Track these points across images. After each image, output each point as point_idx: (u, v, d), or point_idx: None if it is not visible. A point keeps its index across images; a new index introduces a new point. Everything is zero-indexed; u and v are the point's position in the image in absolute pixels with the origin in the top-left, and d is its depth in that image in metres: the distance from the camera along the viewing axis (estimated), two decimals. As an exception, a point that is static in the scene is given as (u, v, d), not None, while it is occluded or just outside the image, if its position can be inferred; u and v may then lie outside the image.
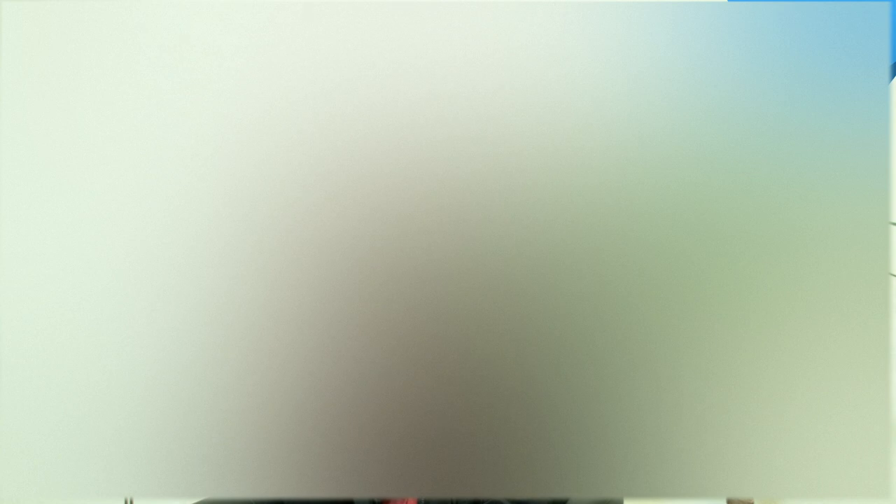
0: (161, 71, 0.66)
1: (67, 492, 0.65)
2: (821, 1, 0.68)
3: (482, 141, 0.65)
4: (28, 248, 0.65)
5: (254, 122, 0.65)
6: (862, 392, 0.67)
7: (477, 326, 0.64)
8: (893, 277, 0.69)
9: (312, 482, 0.64)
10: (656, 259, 0.66)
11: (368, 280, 0.64)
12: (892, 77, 0.74)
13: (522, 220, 0.65)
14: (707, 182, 0.66)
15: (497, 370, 0.65)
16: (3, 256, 0.65)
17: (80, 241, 0.65)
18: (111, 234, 0.65)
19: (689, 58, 0.67)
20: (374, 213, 0.65)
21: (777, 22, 0.67)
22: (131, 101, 0.66)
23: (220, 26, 0.66)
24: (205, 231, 0.65)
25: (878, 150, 0.67)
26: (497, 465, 0.65)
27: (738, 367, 0.66)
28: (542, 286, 0.65)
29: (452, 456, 0.64)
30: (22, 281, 0.65)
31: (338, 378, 0.64)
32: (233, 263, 0.65)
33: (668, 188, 0.66)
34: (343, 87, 0.65)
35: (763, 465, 0.66)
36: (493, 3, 0.66)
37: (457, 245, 0.65)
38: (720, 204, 0.66)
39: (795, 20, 0.68)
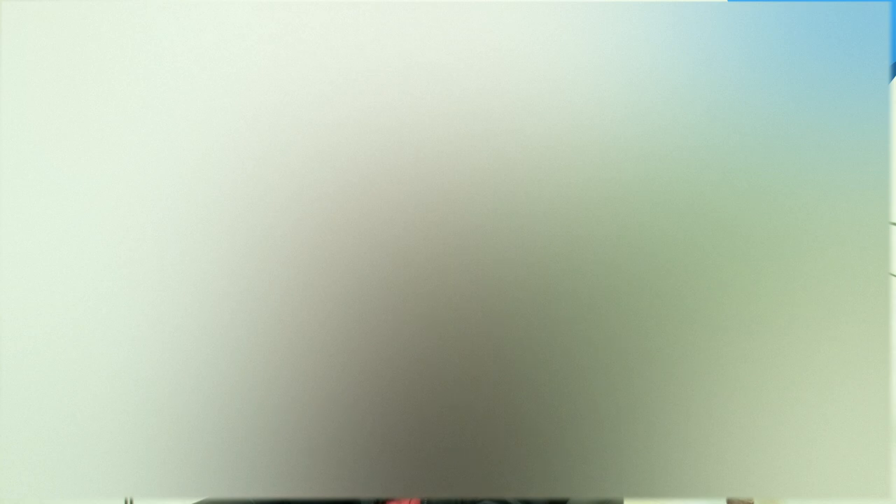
0: (162, 70, 0.66)
1: (67, 492, 0.65)
2: (821, 1, 0.68)
3: (481, 141, 0.65)
4: (28, 248, 0.65)
5: (255, 122, 0.65)
6: (862, 392, 0.67)
7: (478, 327, 0.64)
8: (893, 277, 0.69)
9: (314, 482, 0.64)
10: (655, 259, 0.66)
11: (374, 279, 0.64)
12: (892, 77, 0.74)
13: (523, 221, 0.65)
14: (705, 182, 0.66)
15: (496, 370, 0.65)
16: (3, 256, 0.65)
17: (81, 241, 0.65)
18: (112, 233, 0.65)
19: (689, 58, 0.67)
20: (378, 212, 0.65)
21: (777, 22, 0.67)
22: (132, 100, 0.66)
23: (222, 26, 0.66)
24: (207, 230, 0.65)
25: (878, 150, 0.67)
26: (497, 465, 0.64)
27: (737, 367, 0.66)
28: (543, 286, 0.65)
29: (451, 456, 0.64)
30: (22, 281, 0.65)
31: (339, 377, 0.64)
32: (234, 263, 0.65)
33: (668, 188, 0.66)
34: (344, 86, 0.65)
35: (763, 465, 0.66)
36: (493, 3, 0.66)
37: (458, 245, 0.65)
38: (718, 204, 0.66)
39: (795, 20, 0.68)
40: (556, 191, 0.65)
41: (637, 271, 0.65)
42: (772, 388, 0.66)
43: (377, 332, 0.64)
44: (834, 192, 0.67)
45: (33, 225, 0.65)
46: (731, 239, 0.66)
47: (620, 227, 0.65)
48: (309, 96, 0.65)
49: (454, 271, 0.64)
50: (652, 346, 0.65)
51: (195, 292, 0.65)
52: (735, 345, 0.66)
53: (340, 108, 0.65)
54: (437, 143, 0.65)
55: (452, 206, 0.65)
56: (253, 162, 0.65)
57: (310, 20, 0.66)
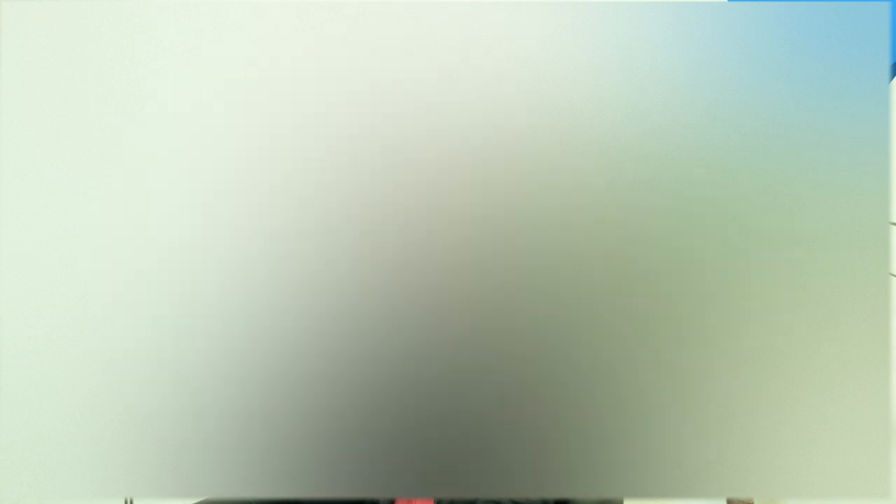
0: (163, 70, 0.66)
1: (67, 492, 0.65)
2: (821, 1, 0.68)
3: (480, 140, 0.65)
4: (28, 248, 0.65)
5: (255, 122, 0.65)
6: (862, 392, 0.67)
7: (480, 328, 0.64)
8: (893, 277, 0.69)
9: (323, 482, 0.64)
10: (655, 258, 0.66)
11: (382, 279, 0.64)
12: (893, 77, 0.74)
13: (524, 221, 0.65)
14: (705, 182, 0.66)
15: (497, 371, 0.65)
16: (3, 256, 0.65)
17: (81, 241, 0.65)
18: (113, 232, 0.65)
19: (689, 58, 0.67)
20: (382, 213, 0.65)
21: (777, 22, 0.67)
22: (132, 100, 0.66)
23: (222, 26, 0.66)
24: (208, 229, 0.65)
25: (878, 150, 0.67)
26: (497, 465, 0.65)
27: (737, 367, 0.66)
28: (544, 286, 0.65)
29: (451, 456, 0.64)
30: (22, 280, 0.65)
31: (345, 377, 0.64)
32: (234, 262, 0.65)
33: (668, 188, 0.66)
34: (343, 87, 0.65)
35: (763, 465, 0.66)
36: (493, 3, 0.66)
37: (459, 246, 0.65)
38: (718, 204, 0.66)
39: (795, 20, 0.68)
40: (556, 191, 0.65)
41: (637, 271, 0.65)
42: (772, 389, 0.66)
43: (382, 332, 0.64)
44: (834, 192, 0.67)
45: (33, 225, 0.65)
46: (731, 239, 0.66)
47: (621, 227, 0.65)
48: (308, 96, 0.65)
49: (456, 273, 0.64)
50: (652, 345, 0.65)
51: (196, 291, 0.65)
52: (735, 345, 0.66)
53: (339, 110, 0.65)
54: (436, 143, 0.65)
55: (452, 207, 0.65)
56: (253, 162, 0.65)
57: (310, 20, 0.66)
